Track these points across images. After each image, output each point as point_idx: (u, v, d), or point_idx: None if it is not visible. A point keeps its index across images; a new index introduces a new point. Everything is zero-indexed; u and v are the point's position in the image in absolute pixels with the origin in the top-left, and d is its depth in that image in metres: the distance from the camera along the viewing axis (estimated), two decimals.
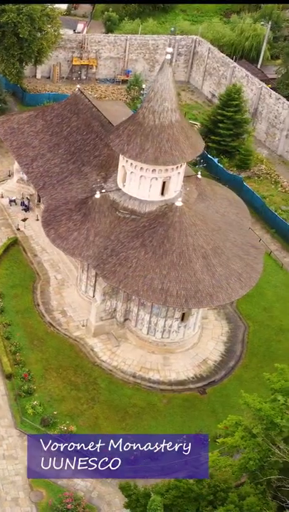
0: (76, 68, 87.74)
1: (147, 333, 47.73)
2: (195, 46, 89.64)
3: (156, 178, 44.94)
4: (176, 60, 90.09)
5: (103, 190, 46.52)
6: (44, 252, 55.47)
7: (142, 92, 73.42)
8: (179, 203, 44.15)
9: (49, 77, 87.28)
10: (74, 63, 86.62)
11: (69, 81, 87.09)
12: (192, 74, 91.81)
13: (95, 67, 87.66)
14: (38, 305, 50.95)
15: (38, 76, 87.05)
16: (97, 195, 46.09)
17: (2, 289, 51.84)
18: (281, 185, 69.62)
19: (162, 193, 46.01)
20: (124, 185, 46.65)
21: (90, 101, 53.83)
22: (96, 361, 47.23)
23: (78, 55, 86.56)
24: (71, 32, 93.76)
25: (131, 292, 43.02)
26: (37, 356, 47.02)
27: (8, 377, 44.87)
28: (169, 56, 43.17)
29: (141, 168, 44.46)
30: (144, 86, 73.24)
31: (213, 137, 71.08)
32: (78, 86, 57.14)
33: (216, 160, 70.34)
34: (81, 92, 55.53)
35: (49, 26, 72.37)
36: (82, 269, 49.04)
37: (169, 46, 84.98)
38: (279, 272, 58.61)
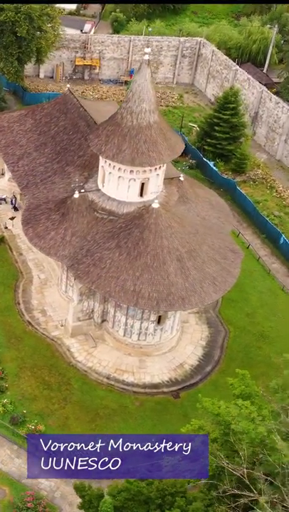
0: (79, 68, 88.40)
1: (124, 335, 47.90)
2: (199, 48, 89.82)
3: (135, 180, 45.10)
4: (180, 62, 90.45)
5: (82, 190, 46.84)
6: (30, 251, 55.86)
7: None
8: (155, 205, 44.29)
9: (52, 77, 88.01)
10: (77, 63, 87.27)
11: (72, 81, 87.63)
12: (196, 76, 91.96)
13: (98, 67, 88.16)
14: (19, 303, 51.39)
15: (41, 75, 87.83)
16: (76, 195, 46.42)
17: None
18: (276, 191, 69.43)
19: (141, 195, 46.16)
20: (103, 186, 46.91)
21: (78, 101, 54.11)
22: (71, 361, 47.50)
23: (81, 55, 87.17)
24: (78, 32, 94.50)
25: (103, 293, 43.26)
26: (12, 354, 47.40)
27: None
28: (147, 57, 43.36)
29: (119, 168, 44.70)
30: None
31: (209, 140, 71.16)
32: (68, 86, 57.62)
33: (211, 163, 70.37)
34: (70, 91, 55.87)
35: (49, 26, 72.91)
36: (63, 269, 49.37)
37: (176, 48, 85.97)
38: (266, 277, 58.48)
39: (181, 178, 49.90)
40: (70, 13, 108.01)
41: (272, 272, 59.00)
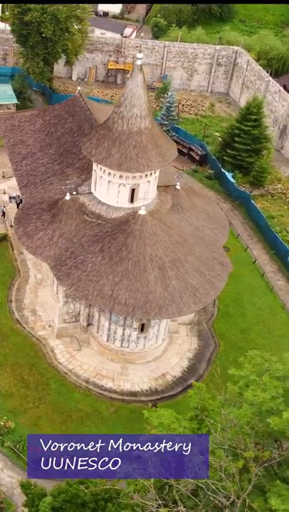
0: (112, 72, 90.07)
1: (107, 340, 48.88)
2: (236, 57, 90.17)
3: (124, 185, 46.12)
4: (215, 71, 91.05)
5: (74, 193, 48.12)
6: None
7: (165, 99, 75.11)
8: (142, 212, 45.18)
9: (84, 79, 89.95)
10: (109, 67, 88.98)
11: (104, 85, 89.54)
12: (231, 86, 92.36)
13: (130, 72, 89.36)
14: (11, 301, 53.03)
15: (74, 78, 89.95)
16: (67, 197, 47.76)
17: None
18: None
19: (132, 201, 47.10)
20: (95, 190, 48.12)
21: (85, 103, 55.58)
22: (53, 362, 48.76)
23: (115, 59, 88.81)
24: (118, 36, 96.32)
25: (80, 296, 44.38)
26: None
27: None
28: (139, 62, 44.35)
29: (109, 173, 45.82)
30: (168, 93, 74.77)
31: (229, 151, 71.49)
32: (79, 88, 59.04)
33: (229, 175, 70.71)
34: (80, 94, 57.38)
35: (77, 28, 74.74)
36: None
37: (212, 56, 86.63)
38: (267, 294, 58.43)
39: (178, 187, 50.56)
40: (114, 17, 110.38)
41: (275, 289, 58.90)
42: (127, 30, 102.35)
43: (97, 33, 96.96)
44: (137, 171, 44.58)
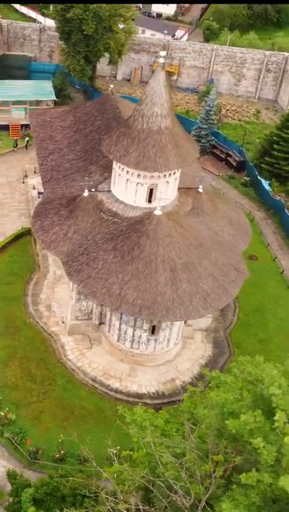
0: None
1: (118, 340, 49.55)
2: (286, 64, 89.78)
3: (142, 184, 46.75)
4: (263, 77, 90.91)
5: (92, 190, 49.06)
6: None
7: (205, 102, 75.55)
8: (157, 212, 45.71)
9: (129, 80, 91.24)
10: (155, 68, 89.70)
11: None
12: (280, 93, 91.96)
13: (176, 74, 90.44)
14: (27, 295, 54.33)
15: (119, 78, 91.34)
16: (85, 194, 48.73)
17: None
18: None
19: (149, 201, 47.69)
20: (114, 188, 48.94)
21: (116, 101, 56.55)
22: (62, 358, 49.70)
23: None
24: (169, 38, 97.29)
25: (89, 293, 45.16)
26: (6, 343, 50.25)
27: None
28: (162, 60, 44.91)
29: (127, 171, 46.55)
30: (209, 97, 75.19)
31: (267, 159, 71.34)
32: (111, 86, 60.02)
33: (265, 182, 70.55)
34: (112, 92, 58.41)
35: (122, 27, 75.99)
36: None
37: (261, 62, 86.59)
38: None
39: (200, 190, 50.87)
40: (168, 19, 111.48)
41: None
42: (179, 33, 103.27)
43: (148, 33, 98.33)
44: (154, 171, 45.12)
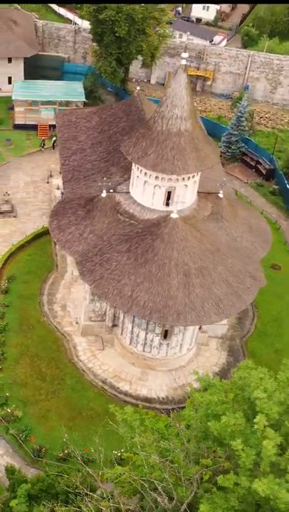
0: (192, 78, 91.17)
1: (130, 344, 49.88)
2: None
3: (160, 187, 47.08)
4: None
5: (111, 190, 49.59)
6: None
7: (237, 108, 75.65)
8: (174, 215, 45.97)
9: (163, 84, 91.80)
10: (189, 73, 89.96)
11: None
12: None
13: (211, 79, 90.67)
14: (42, 294, 55.09)
15: (153, 81, 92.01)
16: (103, 194, 49.27)
17: (16, 273, 56.69)
18: None
19: (167, 204, 47.99)
20: (132, 190, 49.40)
21: (141, 103, 57.03)
22: (73, 358, 50.25)
23: (196, 66, 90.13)
24: (206, 42, 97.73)
25: (100, 293, 45.60)
26: (19, 340, 51.02)
27: None
28: (184, 61, 45.22)
29: (145, 173, 46.95)
30: (241, 103, 75.28)
31: None
32: (138, 88, 60.55)
33: None
34: (138, 94, 58.94)
35: (156, 30, 76.55)
36: None
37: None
38: None
39: (220, 195, 50.98)
40: (207, 24, 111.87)
41: None
42: (217, 38, 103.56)
43: (184, 38, 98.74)
44: (172, 173, 45.42)
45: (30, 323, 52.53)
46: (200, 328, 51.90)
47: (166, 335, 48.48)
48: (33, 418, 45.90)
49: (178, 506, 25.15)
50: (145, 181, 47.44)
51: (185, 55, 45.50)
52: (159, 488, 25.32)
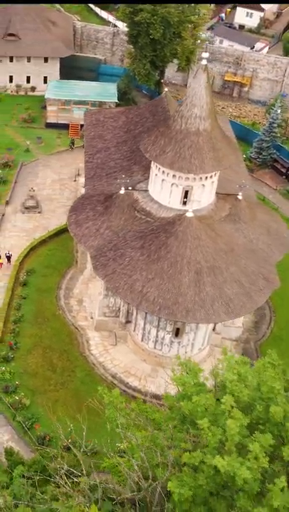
0: (229, 84, 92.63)
1: (142, 340, 51.22)
2: None
3: (177, 185, 48.43)
4: None
5: (129, 188, 51.14)
6: None
7: (269, 114, 76.59)
8: (189, 214, 47.23)
9: None
10: (226, 79, 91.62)
11: (219, 96, 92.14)
12: None
13: (248, 86, 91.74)
14: (60, 289, 56.89)
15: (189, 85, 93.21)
16: (122, 191, 50.85)
17: (36, 267, 58.68)
18: None
19: (184, 203, 49.30)
20: (150, 188, 50.87)
21: (168, 104, 58.50)
22: (85, 352, 51.83)
23: (233, 71, 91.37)
24: (247, 49, 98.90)
25: (111, 288, 47.10)
26: (33, 332, 52.86)
27: None
28: (204, 61, 46.54)
29: (163, 171, 48.38)
30: (274, 109, 76.24)
31: None
32: (166, 89, 62.03)
33: None
34: (166, 95, 60.41)
35: (191, 34, 78.04)
36: None
37: None
38: None
39: (239, 197, 52.03)
40: (250, 31, 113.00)
41: None
42: (259, 45, 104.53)
43: (225, 44, 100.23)
44: (188, 172, 46.73)
45: (46, 316, 54.29)
46: (214, 330, 52.90)
47: (177, 333, 49.63)
48: (40, 407, 47.50)
49: (155, 486, 26.36)
50: (163, 179, 48.84)
51: (205, 54, 46.90)
52: (136, 466, 26.55)
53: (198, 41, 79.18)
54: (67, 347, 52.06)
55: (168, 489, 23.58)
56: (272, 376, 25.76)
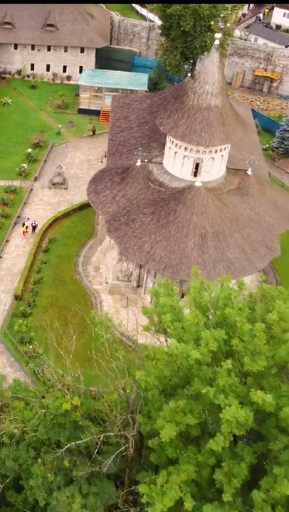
0: (260, 79, 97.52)
1: (150, 303, 56.26)
2: None
3: (188, 157, 53.66)
4: None
5: (145, 160, 56.50)
6: None
7: None
8: (198, 183, 52.39)
9: (231, 83, 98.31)
10: (256, 74, 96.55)
11: (249, 91, 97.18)
12: None
13: (278, 81, 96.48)
14: (79, 256, 62.44)
15: None
16: (138, 163, 56.25)
17: (58, 236, 64.38)
18: None
19: (195, 175, 54.44)
20: (165, 160, 56.14)
21: (190, 88, 63.71)
22: (98, 312, 57.03)
23: (264, 67, 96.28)
24: (282, 47, 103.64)
25: (122, 248, 52.47)
26: (51, 292, 58.43)
27: (16, 298, 56.89)
28: (217, 41, 51.66)
29: (176, 144, 53.66)
30: None
31: None
32: (189, 75, 67.28)
33: None
34: (189, 80, 65.68)
35: (221, 28, 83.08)
36: None
37: None
38: None
39: (249, 173, 56.89)
40: (287, 31, 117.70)
41: None
42: None
43: (260, 42, 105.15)
44: (198, 144, 51.91)
45: (64, 280, 59.78)
46: None
47: (183, 296, 54.47)
48: (51, 356, 52.72)
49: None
50: (175, 152, 54.09)
51: (218, 35, 52.01)
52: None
53: (226, 36, 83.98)
54: (82, 307, 57.28)
55: (136, 377, 28.59)
56: (231, 288, 30.39)
